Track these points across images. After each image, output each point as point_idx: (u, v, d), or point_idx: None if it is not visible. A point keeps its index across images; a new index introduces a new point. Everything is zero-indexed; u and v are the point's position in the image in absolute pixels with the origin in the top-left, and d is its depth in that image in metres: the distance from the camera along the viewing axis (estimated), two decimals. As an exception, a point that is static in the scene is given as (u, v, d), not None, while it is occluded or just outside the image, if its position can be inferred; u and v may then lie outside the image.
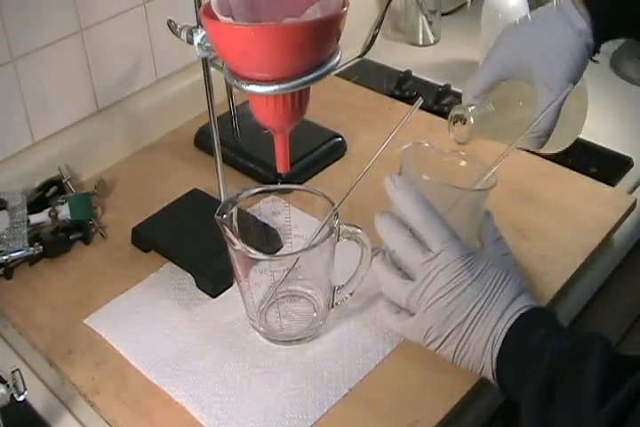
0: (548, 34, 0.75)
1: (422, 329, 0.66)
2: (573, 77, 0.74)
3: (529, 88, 0.77)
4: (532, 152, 0.96)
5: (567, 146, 0.87)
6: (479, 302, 0.64)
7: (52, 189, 0.92)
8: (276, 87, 0.61)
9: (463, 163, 0.75)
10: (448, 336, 0.65)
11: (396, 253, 0.68)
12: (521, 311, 0.64)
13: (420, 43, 1.30)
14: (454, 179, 0.71)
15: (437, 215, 0.66)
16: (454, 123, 0.82)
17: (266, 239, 0.81)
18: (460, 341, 0.65)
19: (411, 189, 0.67)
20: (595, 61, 0.77)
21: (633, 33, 0.79)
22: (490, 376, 0.65)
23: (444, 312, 0.65)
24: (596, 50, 0.76)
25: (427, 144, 0.75)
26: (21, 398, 0.65)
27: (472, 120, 0.79)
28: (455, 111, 0.82)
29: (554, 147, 0.84)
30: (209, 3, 0.62)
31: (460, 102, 0.82)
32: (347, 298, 0.76)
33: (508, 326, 0.63)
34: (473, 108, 0.80)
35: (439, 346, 0.66)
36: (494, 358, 0.64)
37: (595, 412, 0.54)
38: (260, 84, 0.61)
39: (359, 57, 1.27)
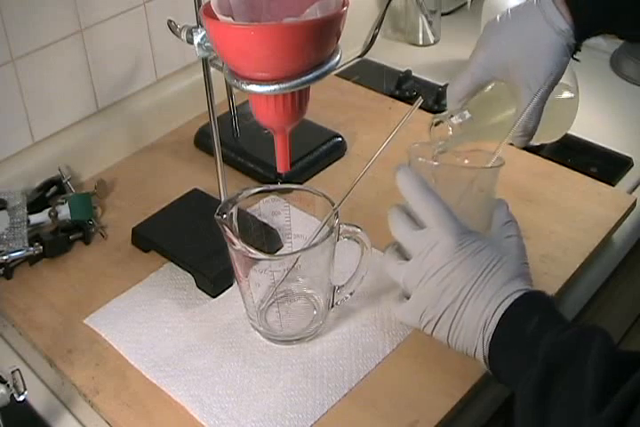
0: (528, 35, 0.74)
1: (418, 311, 0.66)
2: (555, 77, 0.74)
3: (507, 89, 0.77)
4: (533, 152, 0.97)
5: (555, 139, 0.88)
6: (470, 281, 0.63)
7: (52, 189, 0.92)
8: (275, 87, 0.61)
9: (466, 161, 0.75)
10: (441, 318, 0.64)
11: (396, 237, 0.68)
12: (515, 296, 0.62)
13: (420, 43, 1.30)
14: None
15: (435, 195, 0.66)
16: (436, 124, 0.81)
17: (266, 239, 0.81)
18: (452, 322, 0.64)
19: (410, 172, 0.67)
20: (576, 60, 0.77)
21: (614, 30, 0.78)
22: (482, 360, 0.64)
23: (436, 291, 0.64)
24: (577, 48, 0.76)
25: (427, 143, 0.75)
26: (21, 398, 0.65)
27: (451, 131, 0.79)
28: (436, 120, 0.80)
29: (542, 140, 0.84)
30: (209, 3, 0.62)
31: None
32: (347, 298, 0.76)
33: (501, 309, 0.62)
34: (453, 119, 0.79)
35: (434, 328, 0.65)
36: (486, 342, 0.62)
37: (593, 415, 0.52)
38: (260, 84, 0.61)
39: (359, 57, 1.27)
